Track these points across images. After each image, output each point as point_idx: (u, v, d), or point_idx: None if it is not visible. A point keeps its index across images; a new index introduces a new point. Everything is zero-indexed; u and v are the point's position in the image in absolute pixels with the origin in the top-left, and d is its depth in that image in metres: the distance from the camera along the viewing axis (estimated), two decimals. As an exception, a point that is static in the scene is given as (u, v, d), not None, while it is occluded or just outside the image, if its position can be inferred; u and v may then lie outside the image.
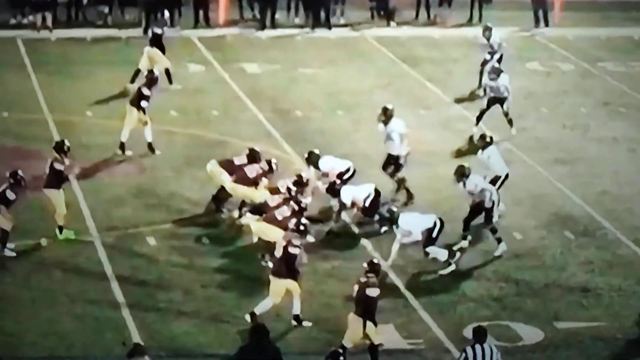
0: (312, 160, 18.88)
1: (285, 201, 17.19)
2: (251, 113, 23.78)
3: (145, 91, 21.13)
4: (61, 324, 15.25)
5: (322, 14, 30.55)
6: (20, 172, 17.11)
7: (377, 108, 24.29)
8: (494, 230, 17.72)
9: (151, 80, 21.51)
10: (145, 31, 29.25)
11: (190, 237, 17.95)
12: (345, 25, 30.94)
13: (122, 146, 21.06)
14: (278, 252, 15.61)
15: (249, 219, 17.38)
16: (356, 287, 14.45)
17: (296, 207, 16.94)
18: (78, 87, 25.06)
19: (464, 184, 17.76)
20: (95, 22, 29.91)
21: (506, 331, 15.49)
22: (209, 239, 17.89)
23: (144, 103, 20.95)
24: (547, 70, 27.55)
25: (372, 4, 31.45)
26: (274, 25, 30.38)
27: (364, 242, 17.99)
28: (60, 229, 17.57)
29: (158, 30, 25.01)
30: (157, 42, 24.74)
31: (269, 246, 16.56)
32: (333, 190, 18.41)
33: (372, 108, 24.41)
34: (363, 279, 14.39)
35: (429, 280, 16.92)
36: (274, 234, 16.54)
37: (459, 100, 25.10)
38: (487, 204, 17.61)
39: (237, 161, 18.57)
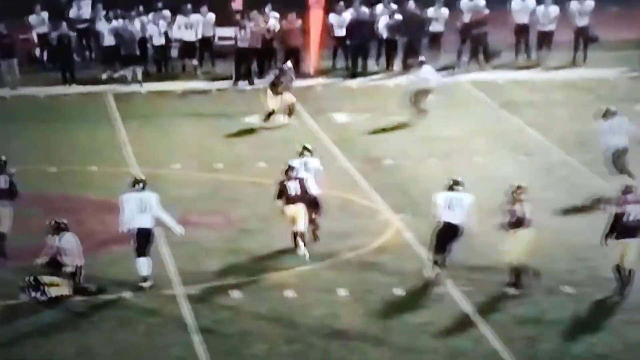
0: None
1: None
2: (339, 163, 23.09)
3: None
4: (143, 380, 14.69)
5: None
6: None
7: (474, 155, 23.60)
8: None
9: None
10: (235, 83, 28.94)
11: (276, 290, 17.23)
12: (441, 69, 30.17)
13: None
14: None
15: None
16: None
17: None
18: (166, 139, 24.76)
19: None
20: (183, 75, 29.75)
21: None
22: (296, 294, 17.14)
23: None
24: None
25: (462, 47, 30.38)
26: (366, 73, 29.77)
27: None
28: None
29: None
30: None
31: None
32: None
33: (468, 155, 23.59)
34: None
35: None
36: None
37: (562, 146, 23.98)
38: None
39: None
